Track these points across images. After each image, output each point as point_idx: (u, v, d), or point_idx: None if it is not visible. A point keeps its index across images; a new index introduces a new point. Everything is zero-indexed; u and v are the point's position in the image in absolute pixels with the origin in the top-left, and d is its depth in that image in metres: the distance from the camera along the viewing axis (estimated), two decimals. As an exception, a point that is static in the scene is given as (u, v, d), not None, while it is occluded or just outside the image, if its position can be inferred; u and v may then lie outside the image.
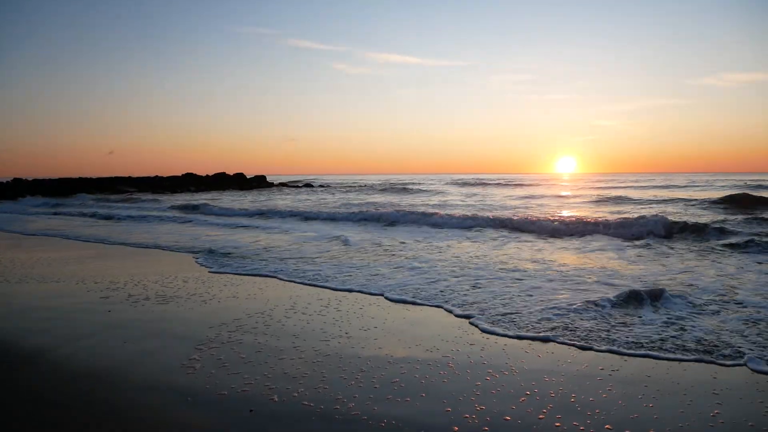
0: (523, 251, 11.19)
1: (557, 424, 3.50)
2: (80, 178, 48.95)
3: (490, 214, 17.78)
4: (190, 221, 19.33)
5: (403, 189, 43.76)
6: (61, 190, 43.23)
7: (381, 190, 44.38)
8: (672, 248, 11.19)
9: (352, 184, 61.42)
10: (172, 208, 25.83)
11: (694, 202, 23.40)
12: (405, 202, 29.03)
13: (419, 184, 58.71)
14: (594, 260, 9.96)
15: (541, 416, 3.61)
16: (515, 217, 16.19)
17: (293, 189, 53.87)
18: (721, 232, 12.85)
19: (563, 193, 34.64)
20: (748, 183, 43.80)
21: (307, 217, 20.20)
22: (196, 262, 10.35)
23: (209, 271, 9.28)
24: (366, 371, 4.47)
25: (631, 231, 13.25)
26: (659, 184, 45.88)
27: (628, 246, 11.56)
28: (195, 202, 28.25)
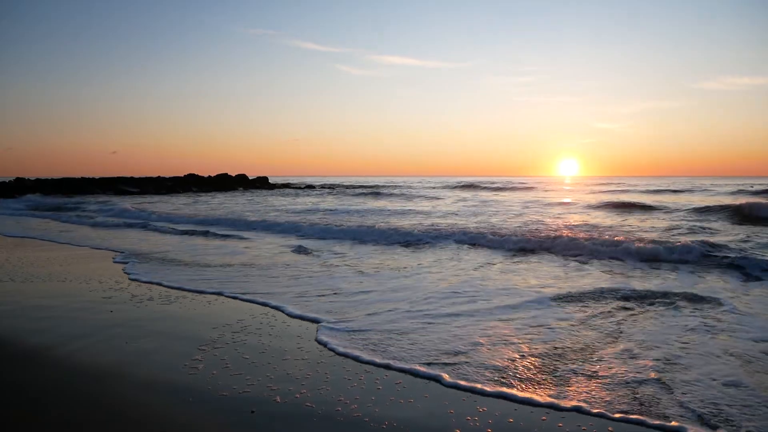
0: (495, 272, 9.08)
1: (560, 424, 3.50)
2: (82, 178, 49.00)
3: (481, 229, 14.78)
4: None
5: (398, 194, 41.40)
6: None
7: (374, 194, 41.95)
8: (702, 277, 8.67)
9: (355, 186, 61.29)
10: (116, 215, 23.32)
11: (703, 210, 20.21)
12: (392, 208, 25.97)
13: (418, 186, 58.26)
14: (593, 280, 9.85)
15: (543, 418, 3.61)
16: (513, 234, 13.44)
17: (293, 190, 53.65)
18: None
19: (566, 200, 31.18)
20: (755, 187, 42.84)
21: (253, 227, 17.71)
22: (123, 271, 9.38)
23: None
24: (369, 372, 4.47)
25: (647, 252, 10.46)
26: (662, 188, 45.40)
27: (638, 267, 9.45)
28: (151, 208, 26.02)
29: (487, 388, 4.09)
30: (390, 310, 6.44)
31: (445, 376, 4.32)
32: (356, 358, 4.79)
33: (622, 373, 4.37)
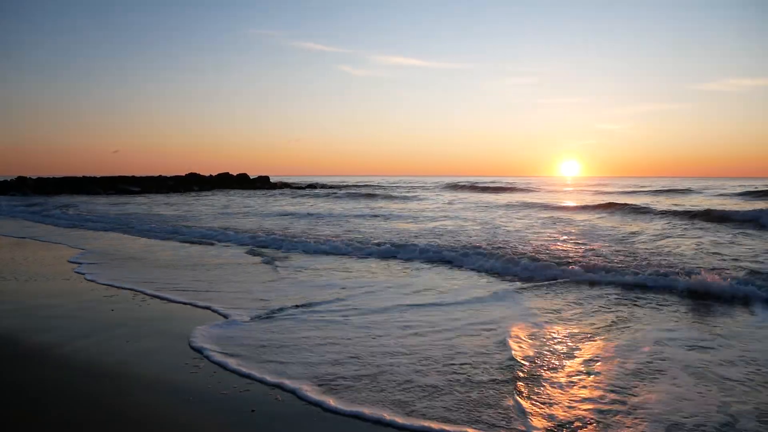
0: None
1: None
2: (83, 177, 49.01)
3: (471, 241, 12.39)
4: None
5: (394, 195, 38.47)
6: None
7: (368, 195, 38.03)
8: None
9: (354, 186, 61.03)
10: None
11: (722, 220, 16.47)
12: (381, 212, 22.66)
13: (417, 187, 56.98)
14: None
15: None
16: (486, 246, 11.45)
17: (290, 190, 53.06)
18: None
19: (566, 202, 27.75)
20: (759, 189, 41.08)
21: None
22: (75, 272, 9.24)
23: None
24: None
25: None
26: (664, 189, 44.84)
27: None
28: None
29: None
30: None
31: (332, 402, 4.12)
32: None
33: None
